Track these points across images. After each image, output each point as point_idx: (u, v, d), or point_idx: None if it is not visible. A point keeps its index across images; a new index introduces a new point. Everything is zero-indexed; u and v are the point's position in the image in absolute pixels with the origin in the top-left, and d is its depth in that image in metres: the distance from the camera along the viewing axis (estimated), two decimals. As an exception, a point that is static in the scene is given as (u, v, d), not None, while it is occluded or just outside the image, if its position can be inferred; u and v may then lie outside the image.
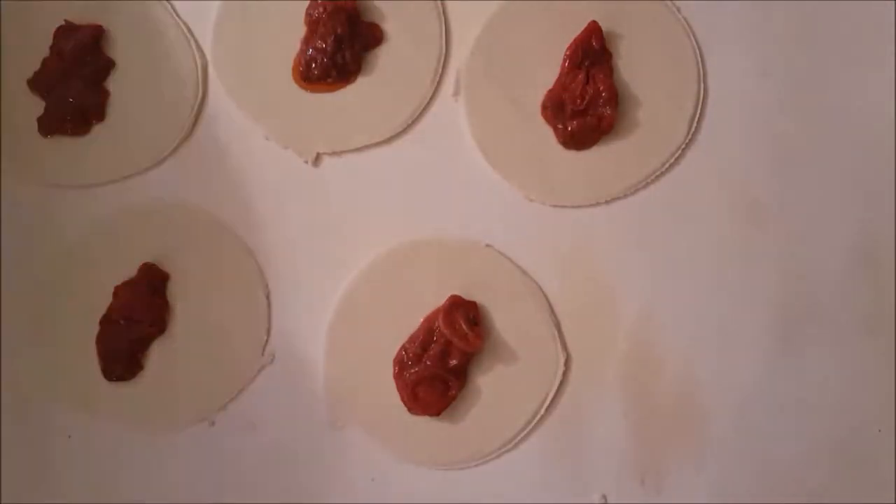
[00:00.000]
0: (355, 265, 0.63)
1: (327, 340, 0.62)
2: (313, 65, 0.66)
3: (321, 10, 0.66)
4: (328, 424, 0.61)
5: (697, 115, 0.65)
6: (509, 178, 0.65)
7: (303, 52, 0.67)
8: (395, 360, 0.60)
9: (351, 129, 0.66)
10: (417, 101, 0.67)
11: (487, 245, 0.63)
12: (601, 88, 0.63)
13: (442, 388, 0.58)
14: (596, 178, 0.64)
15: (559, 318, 0.62)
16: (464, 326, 0.58)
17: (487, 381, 0.60)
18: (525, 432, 0.60)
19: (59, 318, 0.63)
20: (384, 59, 0.68)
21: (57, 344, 0.62)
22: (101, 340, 0.61)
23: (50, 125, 0.66)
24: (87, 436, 0.61)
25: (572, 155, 0.65)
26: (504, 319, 0.61)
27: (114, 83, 0.68)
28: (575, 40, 0.65)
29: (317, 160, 0.66)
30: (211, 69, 0.68)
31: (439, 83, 0.67)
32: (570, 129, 0.63)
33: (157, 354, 0.62)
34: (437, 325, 0.59)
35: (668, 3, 0.68)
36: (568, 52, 0.65)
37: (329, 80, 0.66)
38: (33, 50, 0.67)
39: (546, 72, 0.65)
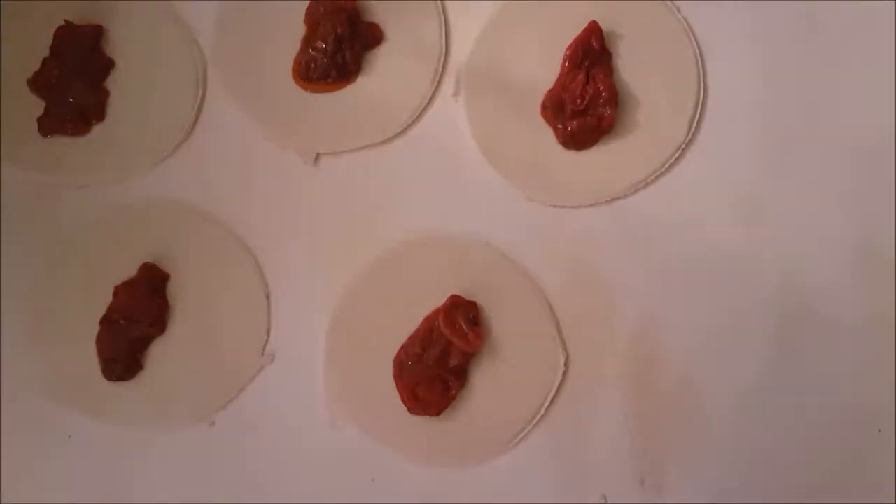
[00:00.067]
0: (355, 265, 0.63)
1: (327, 340, 0.62)
2: (313, 65, 0.66)
3: (321, 10, 0.66)
4: (328, 424, 0.61)
5: (697, 115, 0.65)
6: (509, 178, 0.65)
7: (303, 52, 0.67)
8: (395, 360, 0.60)
9: (351, 129, 0.66)
10: (417, 101, 0.67)
11: (487, 245, 0.63)
12: (601, 88, 0.63)
13: (442, 388, 0.58)
14: (596, 178, 0.64)
15: (559, 318, 0.62)
16: (464, 326, 0.58)
17: (487, 381, 0.60)
18: (525, 432, 0.60)
19: (59, 318, 0.63)
20: (384, 59, 0.68)
21: (57, 344, 0.62)
22: (101, 340, 0.61)
23: (50, 125, 0.66)
24: (88, 436, 0.61)
25: (572, 155, 0.65)
26: (504, 319, 0.61)
27: (114, 83, 0.68)
28: (575, 40, 0.65)
29: (317, 160, 0.66)
30: (211, 69, 0.68)
31: (439, 83, 0.67)
32: (570, 129, 0.63)
33: (157, 354, 0.62)
34: (437, 325, 0.59)
35: (668, 3, 0.68)
36: (568, 52, 0.65)
37: (329, 80, 0.66)
38: (33, 50, 0.67)
39: (546, 72, 0.65)
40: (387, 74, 0.67)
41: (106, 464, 0.61)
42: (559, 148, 0.65)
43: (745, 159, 0.65)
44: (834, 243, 0.63)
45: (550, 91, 0.65)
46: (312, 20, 0.67)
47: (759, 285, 0.62)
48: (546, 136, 0.65)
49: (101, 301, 0.61)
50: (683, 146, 0.65)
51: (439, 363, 0.58)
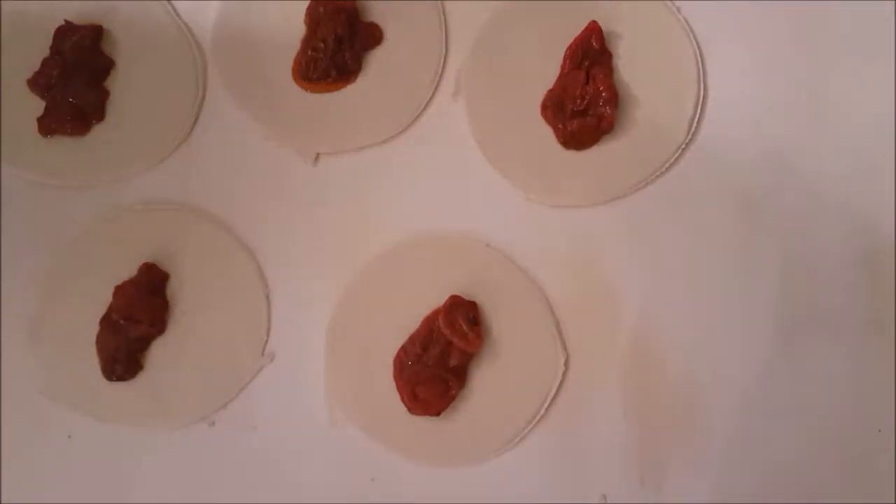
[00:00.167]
0: (355, 265, 0.63)
1: (327, 340, 0.62)
2: (313, 65, 0.66)
3: (321, 10, 0.66)
4: (328, 424, 0.61)
5: (697, 115, 0.65)
6: (509, 178, 0.65)
7: (303, 52, 0.67)
8: (395, 360, 0.60)
9: (351, 129, 0.66)
10: (417, 101, 0.67)
11: (487, 245, 0.63)
12: (601, 88, 0.63)
13: (442, 388, 0.58)
14: (596, 178, 0.64)
15: (559, 318, 0.62)
16: (464, 326, 0.58)
17: (487, 381, 0.60)
18: (525, 432, 0.60)
19: (59, 318, 0.63)
20: (384, 59, 0.68)
21: (57, 344, 0.62)
22: (101, 340, 0.61)
23: (50, 125, 0.66)
24: (88, 436, 0.61)
25: (572, 155, 0.65)
26: (504, 319, 0.61)
27: (114, 83, 0.68)
28: (575, 40, 0.65)
29: (317, 160, 0.66)
30: (211, 69, 0.68)
31: (439, 83, 0.67)
32: (570, 129, 0.63)
33: (157, 354, 0.62)
34: (437, 325, 0.59)
35: (668, 3, 0.68)
36: (568, 52, 0.65)
37: (329, 80, 0.66)
38: (33, 50, 0.67)
39: (546, 72, 0.65)
40: (387, 74, 0.67)
41: (106, 464, 0.61)
42: (559, 148, 0.65)
43: (745, 159, 0.65)
44: (834, 243, 0.63)
45: (550, 91, 0.65)
46: (312, 20, 0.67)
47: (758, 285, 0.62)
48: (546, 136, 0.65)
49: (101, 301, 0.61)
50: (683, 146, 0.65)
51: (439, 363, 0.58)
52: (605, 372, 0.61)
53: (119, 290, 0.61)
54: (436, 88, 0.67)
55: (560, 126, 0.64)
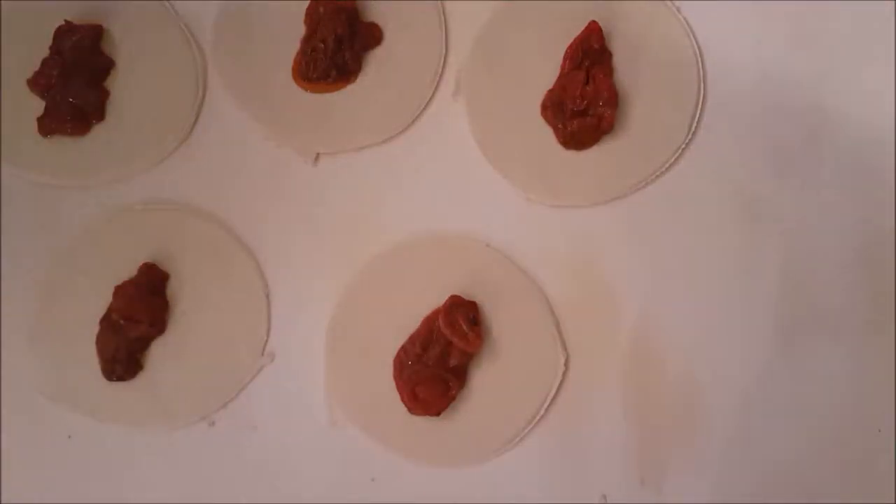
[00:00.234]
0: (355, 265, 0.63)
1: (327, 340, 0.62)
2: (313, 65, 0.66)
3: (321, 10, 0.66)
4: (328, 424, 0.61)
5: (697, 115, 0.65)
6: (509, 178, 0.65)
7: (303, 52, 0.67)
8: (395, 360, 0.60)
9: (351, 129, 0.66)
10: (417, 101, 0.67)
11: (487, 245, 0.63)
12: (601, 88, 0.63)
13: (442, 388, 0.58)
14: (596, 178, 0.64)
15: (559, 318, 0.62)
16: (464, 326, 0.58)
17: (487, 381, 0.60)
18: (525, 432, 0.60)
19: (59, 318, 0.63)
20: (384, 59, 0.68)
21: (57, 344, 0.62)
22: (101, 340, 0.61)
23: (50, 125, 0.66)
24: (87, 436, 0.61)
25: (572, 155, 0.65)
26: (504, 319, 0.61)
27: (114, 83, 0.68)
28: (575, 40, 0.65)
29: (317, 160, 0.66)
30: (211, 69, 0.68)
31: (439, 83, 0.67)
32: (570, 129, 0.63)
33: (157, 354, 0.62)
34: (437, 325, 0.59)
35: (668, 3, 0.68)
36: (568, 52, 0.65)
37: (329, 80, 0.66)
38: (33, 50, 0.67)
39: (546, 72, 0.65)
40: (387, 74, 0.67)
41: (106, 464, 0.61)
42: (559, 148, 0.65)
43: (744, 159, 0.65)
44: (834, 243, 0.63)
45: (550, 91, 0.65)
46: (312, 20, 0.67)
47: (759, 285, 0.62)
48: (546, 136, 0.65)
49: (101, 301, 0.61)
50: (683, 146, 0.65)
51: (439, 363, 0.58)
52: (605, 372, 0.61)
53: (119, 290, 0.61)
54: (436, 88, 0.67)
55: (560, 126, 0.64)
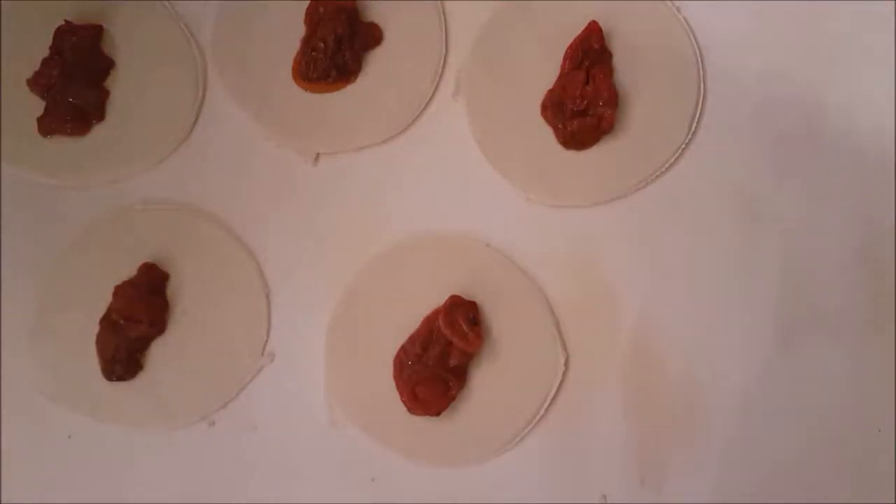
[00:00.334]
0: (355, 265, 0.63)
1: (327, 340, 0.62)
2: (313, 65, 0.66)
3: (321, 10, 0.66)
4: (328, 424, 0.61)
5: (697, 115, 0.65)
6: (509, 178, 0.65)
7: (303, 52, 0.67)
8: (394, 360, 0.60)
9: (351, 129, 0.66)
10: (417, 101, 0.67)
11: (487, 245, 0.63)
12: (601, 88, 0.63)
13: (442, 388, 0.58)
14: (596, 178, 0.64)
15: (559, 318, 0.62)
16: (464, 326, 0.58)
17: (487, 381, 0.60)
18: (525, 432, 0.60)
19: (59, 318, 0.63)
20: (384, 59, 0.68)
21: (57, 344, 0.62)
22: (101, 340, 0.61)
23: (50, 125, 0.66)
24: (87, 436, 0.61)
25: (572, 155, 0.65)
26: (504, 319, 0.61)
27: (114, 83, 0.68)
28: (575, 40, 0.65)
29: (317, 160, 0.66)
30: (211, 69, 0.68)
31: (439, 83, 0.67)
32: (570, 129, 0.63)
33: (157, 354, 0.62)
34: (437, 325, 0.59)
35: (668, 3, 0.68)
36: (568, 52, 0.65)
37: (329, 80, 0.66)
38: (33, 50, 0.67)
39: (546, 72, 0.65)
40: (387, 74, 0.67)
41: (106, 464, 0.61)
42: (559, 148, 0.65)
43: (744, 159, 0.65)
44: (834, 243, 0.63)
45: (550, 91, 0.65)
46: (312, 20, 0.67)
47: (759, 285, 0.62)
48: (546, 136, 0.65)
49: (101, 301, 0.61)
50: (683, 146, 0.65)
51: (439, 363, 0.58)
52: (605, 372, 0.61)
53: (119, 290, 0.61)
54: (436, 88, 0.67)
55: (560, 126, 0.64)
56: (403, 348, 0.60)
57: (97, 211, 0.65)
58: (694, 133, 0.65)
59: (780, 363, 0.61)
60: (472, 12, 0.68)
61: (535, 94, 0.65)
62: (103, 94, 0.67)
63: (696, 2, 0.68)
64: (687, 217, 0.64)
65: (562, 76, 0.65)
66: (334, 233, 0.64)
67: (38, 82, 0.66)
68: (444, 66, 0.68)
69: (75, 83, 0.65)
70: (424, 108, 0.67)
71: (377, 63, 0.68)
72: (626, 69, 0.66)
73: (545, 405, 0.60)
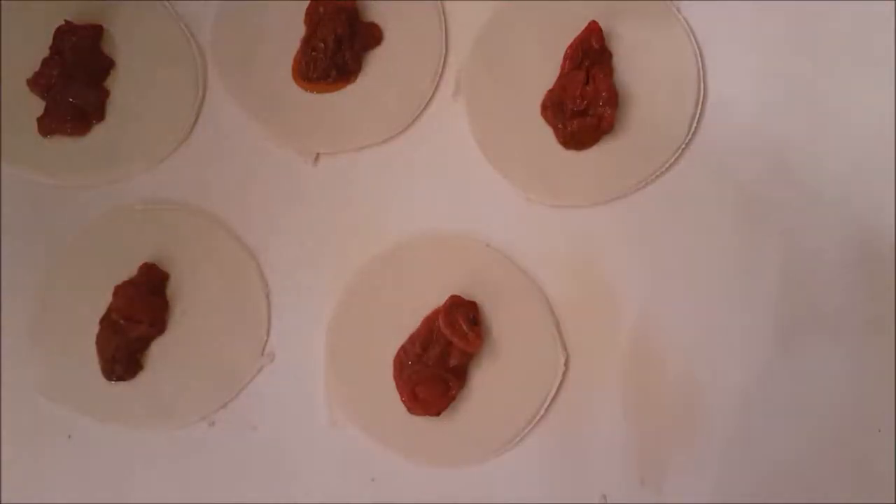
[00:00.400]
0: (355, 265, 0.63)
1: (327, 340, 0.62)
2: (313, 65, 0.66)
3: (321, 10, 0.66)
4: (328, 424, 0.61)
5: (697, 115, 0.65)
6: (509, 178, 0.65)
7: (303, 52, 0.67)
8: (394, 360, 0.60)
9: (351, 129, 0.66)
10: (417, 101, 0.67)
11: (487, 245, 0.63)
12: (601, 88, 0.63)
13: (442, 388, 0.58)
14: (596, 178, 0.64)
15: (559, 318, 0.62)
16: (464, 326, 0.58)
17: (487, 381, 0.60)
18: (525, 432, 0.60)
19: (59, 318, 0.63)
20: (384, 59, 0.68)
21: (57, 344, 0.62)
22: (101, 340, 0.61)
23: (50, 125, 0.66)
24: (87, 436, 0.61)
25: (572, 155, 0.65)
26: (504, 319, 0.61)
27: (114, 83, 0.68)
28: (575, 40, 0.65)
29: (317, 160, 0.66)
30: (211, 69, 0.68)
31: (439, 83, 0.67)
32: (570, 129, 0.63)
33: (157, 354, 0.62)
34: (437, 325, 0.59)
35: (668, 3, 0.68)
36: (568, 52, 0.65)
37: (329, 80, 0.66)
38: (33, 50, 0.67)
39: (546, 72, 0.65)
40: (387, 74, 0.67)
41: (106, 464, 0.61)
42: (559, 148, 0.65)
43: (744, 159, 0.65)
44: (834, 243, 0.63)
45: (550, 91, 0.65)
46: (312, 20, 0.67)
47: (759, 285, 0.62)
48: (546, 136, 0.65)
49: (101, 301, 0.61)
50: (683, 146, 0.65)
51: (439, 363, 0.58)
52: (605, 372, 0.61)
53: (119, 290, 0.61)
54: (436, 88, 0.67)
55: (560, 126, 0.64)
56: (403, 348, 0.60)
57: (97, 211, 0.65)
58: (694, 133, 0.65)
59: (780, 363, 0.61)
60: (472, 12, 0.68)
61: (535, 94, 0.65)
62: (103, 94, 0.67)
63: (696, 2, 0.68)
64: (687, 217, 0.64)
65: (562, 76, 0.65)
66: (334, 233, 0.64)
67: (38, 82, 0.66)
68: (444, 66, 0.68)
69: (75, 83, 0.66)
70: (424, 108, 0.67)
71: (377, 63, 0.68)
72: (626, 69, 0.66)
73: (545, 405, 0.60)
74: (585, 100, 0.63)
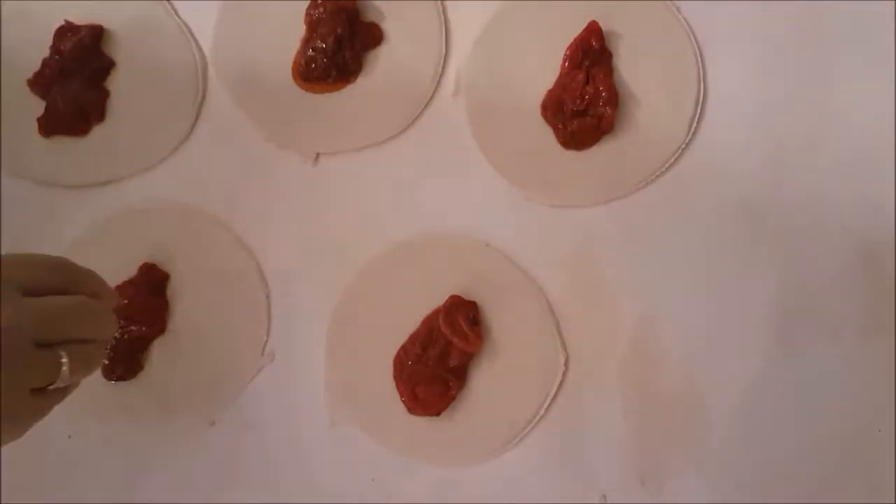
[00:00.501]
0: (355, 265, 0.63)
1: (327, 340, 0.62)
2: (313, 65, 0.66)
3: (321, 10, 0.66)
4: (328, 424, 0.61)
5: (697, 115, 0.65)
6: (509, 178, 0.65)
7: (303, 52, 0.67)
8: (394, 360, 0.60)
9: (351, 129, 0.66)
10: (417, 101, 0.67)
11: (487, 245, 0.63)
12: (601, 88, 0.63)
13: (442, 388, 0.58)
14: (596, 178, 0.64)
15: (559, 318, 0.62)
16: (464, 326, 0.58)
17: (487, 381, 0.60)
18: (525, 432, 0.60)
19: (59, 318, 0.62)
20: (384, 59, 0.68)
21: (57, 344, 0.62)
22: (101, 340, 0.61)
23: (50, 125, 0.66)
24: (87, 436, 0.61)
25: (572, 155, 0.65)
26: (504, 319, 0.61)
27: (114, 83, 0.68)
28: (575, 40, 0.65)
29: (317, 160, 0.66)
30: (211, 69, 0.68)
31: (439, 83, 0.67)
32: (570, 129, 0.63)
33: (157, 354, 0.62)
34: (437, 325, 0.59)
35: (668, 3, 0.68)
36: (568, 52, 0.65)
37: (329, 80, 0.66)
38: (33, 50, 0.67)
39: (546, 72, 0.65)
40: (387, 74, 0.67)
41: (106, 464, 0.61)
42: (559, 148, 0.65)
43: (744, 159, 0.65)
44: (833, 243, 0.63)
45: (550, 91, 0.65)
46: (312, 20, 0.67)
47: (758, 285, 0.62)
48: (546, 136, 0.65)
49: (101, 301, 0.61)
50: (683, 146, 0.65)
51: (439, 363, 0.58)
52: (605, 372, 0.61)
53: (119, 290, 0.61)
54: (436, 88, 0.67)
55: (560, 126, 0.64)
56: (403, 348, 0.60)
57: (97, 211, 0.65)
58: (694, 133, 0.65)
59: (780, 363, 0.61)
60: (472, 12, 0.68)
61: (535, 94, 0.65)
62: (103, 94, 0.67)
63: (696, 2, 0.68)
64: (687, 217, 0.64)
65: (562, 76, 0.65)
66: (334, 233, 0.64)
67: (38, 82, 0.66)
68: (444, 66, 0.68)
69: (75, 83, 0.66)
70: (424, 108, 0.67)
71: (377, 63, 0.68)
72: (626, 69, 0.66)
73: (545, 405, 0.60)
74: (585, 100, 0.63)
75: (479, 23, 0.68)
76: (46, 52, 0.67)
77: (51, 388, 0.41)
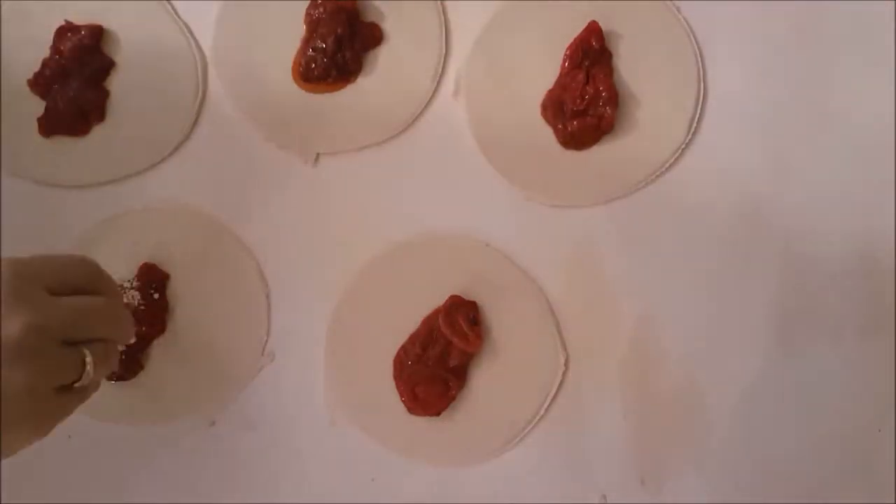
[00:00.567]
0: (355, 265, 0.63)
1: (327, 340, 0.62)
2: (313, 65, 0.66)
3: (321, 10, 0.66)
4: (328, 424, 0.61)
5: (697, 115, 0.65)
6: (509, 178, 0.65)
7: (303, 52, 0.67)
8: (394, 360, 0.60)
9: (351, 129, 0.66)
10: (417, 101, 0.67)
11: (487, 245, 0.63)
12: (601, 88, 0.63)
13: (442, 388, 0.58)
14: (596, 178, 0.64)
15: (559, 318, 0.62)
16: (464, 326, 0.58)
17: (487, 381, 0.60)
18: (525, 432, 0.60)
19: (59, 318, 0.62)
20: (384, 59, 0.68)
21: (57, 344, 0.62)
22: (101, 340, 0.61)
23: (50, 125, 0.66)
24: (87, 436, 0.61)
25: (572, 155, 0.65)
26: (504, 319, 0.61)
27: (114, 83, 0.68)
28: (575, 40, 0.65)
29: (317, 160, 0.66)
30: (211, 69, 0.68)
31: (439, 83, 0.67)
32: (570, 129, 0.63)
33: (157, 354, 0.62)
34: (437, 325, 0.59)
35: (668, 3, 0.68)
36: (568, 52, 0.65)
37: (329, 80, 0.66)
38: (33, 50, 0.67)
39: (546, 72, 0.65)
40: (387, 74, 0.67)
41: (106, 464, 0.61)
42: (559, 148, 0.65)
43: (745, 159, 0.65)
44: (833, 243, 0.63)
45: (550, 91, 0.65)
46: (312, 20, 0.67)
47: (758, 285, 0.62)
48: (546, 136, 0.65)
49: (101, 301, 0.61)
50: (683, 146, 0.65)
51: (439, 363, 0.59)
52: (605, 372, 0.61)
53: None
54: (436, 88, 0.67)
55: (560, 126, 0.64)
56: (403, 348, 0.60)
57: (97, 211, 0.65)
58: (694, 133, 0.65)
59: (780, 363, 0.61)
60: (472, 12, 0.68)
61: (535, 94, 0.65)
62: (103, 94, 0.67)
63: (696, 2, 0.68)
64: (687, 217, 0.64)
65: (562, 76, 0.65)
66: (334, 232, 0.64)
67: (38, 82, 0.66)
68: (444, 66, 0.68)
69: (75, 83, 0.65)
70: (424, 108, 0.67)
71: (377, 63, 0.68)
72: (626, 69, 0.66)
73: (545, 405, 0.60)
74: (585, 100, 0.63)
75: (479, 23, 0.68)
76: (46, 52, 0.66)
77: (76, 385, 0.41)
